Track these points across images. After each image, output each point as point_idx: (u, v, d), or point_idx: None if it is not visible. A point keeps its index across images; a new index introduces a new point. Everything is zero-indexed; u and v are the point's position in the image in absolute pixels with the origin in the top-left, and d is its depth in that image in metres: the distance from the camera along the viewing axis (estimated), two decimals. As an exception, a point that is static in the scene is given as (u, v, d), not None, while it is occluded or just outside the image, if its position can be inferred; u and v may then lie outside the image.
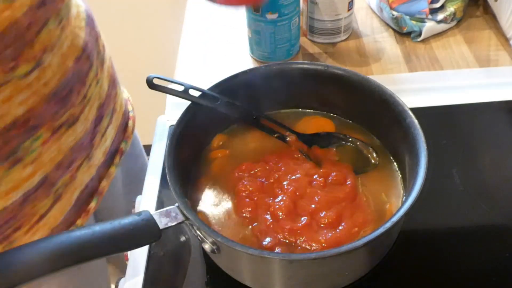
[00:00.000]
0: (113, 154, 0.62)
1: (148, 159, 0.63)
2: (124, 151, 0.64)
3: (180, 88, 0.51)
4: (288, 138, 0.55)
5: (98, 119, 0.56)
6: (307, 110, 0.59)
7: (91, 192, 0.57)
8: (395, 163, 0.53)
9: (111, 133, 0.60)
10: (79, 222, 0.56)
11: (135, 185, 0.65)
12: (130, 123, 0.67)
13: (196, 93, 0.51)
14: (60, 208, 0.53)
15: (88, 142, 0.55)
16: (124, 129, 0.65)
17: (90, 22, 0.56)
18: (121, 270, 0.81)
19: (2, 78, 0.42)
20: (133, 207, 0.59)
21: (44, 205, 0.50)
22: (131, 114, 0.68)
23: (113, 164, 0.61)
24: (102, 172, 0.59)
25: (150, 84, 0.51)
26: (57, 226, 0.53)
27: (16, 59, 0.43)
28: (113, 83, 0.61)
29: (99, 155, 0.58)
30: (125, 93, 0.70)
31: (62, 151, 0.51)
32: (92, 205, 0.57)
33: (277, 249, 0.45)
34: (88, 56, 0.53)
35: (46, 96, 0.47)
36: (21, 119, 0.45)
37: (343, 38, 0.78)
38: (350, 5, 0.74)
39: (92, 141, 0.56)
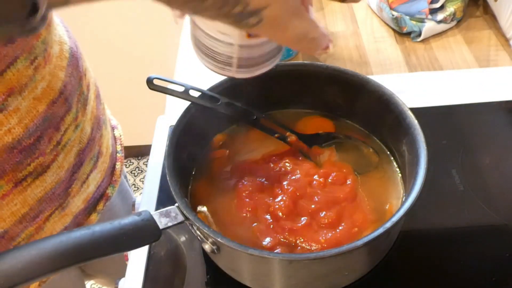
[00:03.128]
0: (97, 200, 0.58)
1: (148, 159, 0.63)
2: (110, 197, 0.60)
3: (181, 89, 0.51)
4: (288, 139, 0.55)
5: (77, 165, 0.52)
6: (307, 110, 0.59)
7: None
8: (395, 163, 0.53)
9: (96, 178, 0.56)
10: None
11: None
12: (118, 165, 0.62)
13: (197, 94, 0.51)
14: None
15: (61, 191, 0.50)
16: (112, 172, 0.61)
17: (73, 61, 0.50)
18: (121, 270, 0.81)
19: None
20: (133, 206, 0.59)
21: None
22: (119, 155, 0.62)
23: (95, 211, 0.57)
24: (81, 219, 0.56)
25: (151, 84, 0.51)
26: None
27: None
28: (97, 124, 0.56)
29: (77, 203, 0.53)
30: (117, 130, 0.65)
31: (27, 203, 0.46)
32: None
33: (277, 249, 0.45)
34: (66, 99, 0.48)
35: (7, 144, 0.42)
36: None
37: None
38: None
39: (68, 190, 0.51)
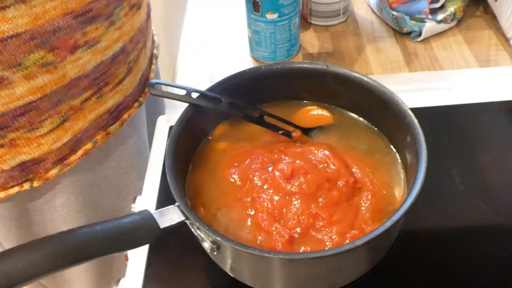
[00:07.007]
0: (151, 58, 0.72)
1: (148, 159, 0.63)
2: (157, 56, 0.73)
3: (182, 92, 0.51)
4: (293, 134, 0.55)
5: (148, 15, 0.67)
6: (306, 105, 0.59)
7: (145, 79, 0.68)
8: (399, 160, 0.53)
9: (149, 42, 0.69)
10: (141, 99, 0.67)
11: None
12: (154, 61, 0.73)
13: (198, 95, 0.51)
14: (130, 80, 0.63)
15: (145, 30, 0.66)
16: (145, 81, 0.71)
17: None
18: (121, 270, 0.81)
19: None
20: (133, 203, 0.59)
21: (121, 72, 0.61)
22: (155, 52, 0.74)
23: (152, 63, 0.71)
24: (148, 70, 0.70)
25: (152, 89, 0.51)
26: (129, 95, 0.64)
27: None
28: (148, 16, 0.69)
29: (147, 53, 0.68)
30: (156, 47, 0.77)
31: (133, 29, 0.61)
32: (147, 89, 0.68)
33: (278, 247, 0.45)
34: None
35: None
36: None
37: (342, 20, 0.83)
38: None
39: (146, 32, 0.66)
